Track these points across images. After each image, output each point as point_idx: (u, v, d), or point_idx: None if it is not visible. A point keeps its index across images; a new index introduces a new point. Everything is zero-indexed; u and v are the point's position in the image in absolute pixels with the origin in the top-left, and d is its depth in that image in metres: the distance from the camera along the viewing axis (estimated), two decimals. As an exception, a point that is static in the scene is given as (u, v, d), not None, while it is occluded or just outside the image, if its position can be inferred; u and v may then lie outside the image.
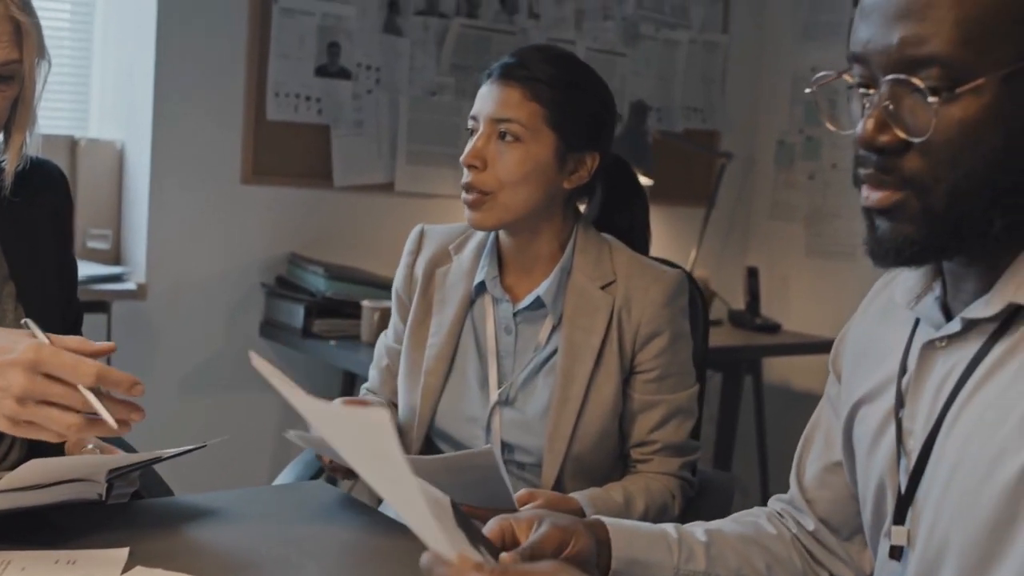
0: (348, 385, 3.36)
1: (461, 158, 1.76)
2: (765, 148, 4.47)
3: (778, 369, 4.30)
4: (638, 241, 1.94)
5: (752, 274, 4.03)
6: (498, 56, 3.58)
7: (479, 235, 1.88)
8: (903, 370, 1.16)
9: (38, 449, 1.63)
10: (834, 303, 4.16)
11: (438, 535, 0.89)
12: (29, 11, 1.56)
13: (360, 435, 0.87)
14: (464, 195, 1.76)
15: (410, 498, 0.88)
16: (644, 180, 3.76)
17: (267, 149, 3.43)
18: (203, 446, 1.50)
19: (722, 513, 1.86)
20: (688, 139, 4.24)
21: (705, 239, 4.09)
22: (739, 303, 4.07)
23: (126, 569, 1.24)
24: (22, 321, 1.37)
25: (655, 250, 2.01)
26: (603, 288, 1.79)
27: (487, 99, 1.77)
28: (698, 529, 1.30)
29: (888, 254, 1.07)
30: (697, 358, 1.92)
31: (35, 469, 1.27)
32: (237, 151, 3.39)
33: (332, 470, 1.69)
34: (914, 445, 1.12)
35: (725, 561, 1.28)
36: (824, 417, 1.35)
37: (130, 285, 3.19)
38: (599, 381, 1.77)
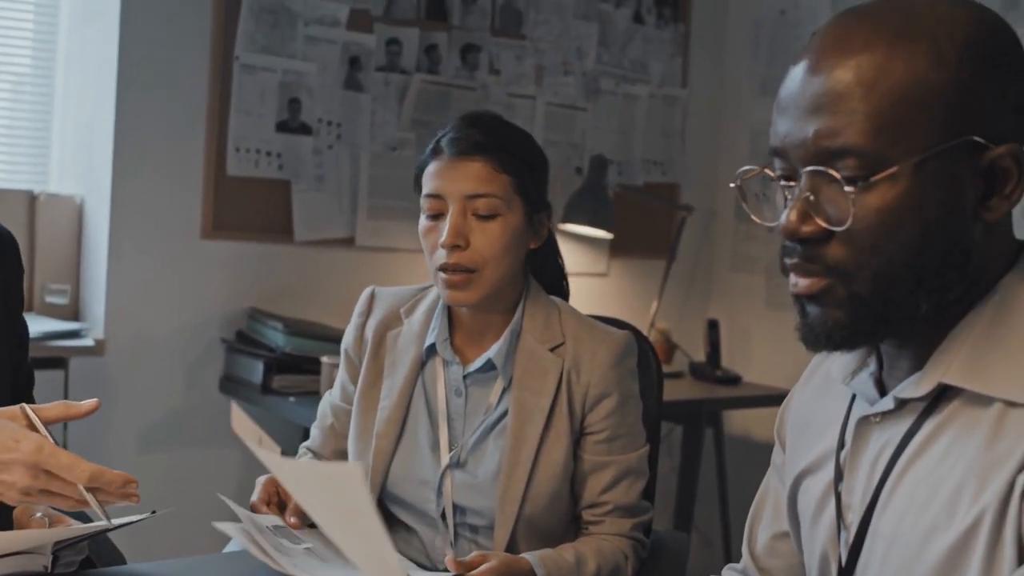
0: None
1: (441, 240, 1.74)
2: (725, 201, 4.50)
3: (739, 421, 4.32)
4: (554, 282, 1.96)
5: (712, 326, 4.06)
6: (458, 111, 3.62)
7: (430, 298, 1.89)
8: (841, 444, 1.18)
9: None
10: (795, 355, 4.13)
11: None
12: None
13: (331, 486, 0.88)
14: (444, 275, 1.75)
15: (379, 549, 0.89)
16: (603, 234, 3.80)
17: (227, 204, 3.43)
18: (152, 513, 1.50)
19: (678, 572, 1.88)
20: (648, 192, 4.27)
21: (666, 291, 4.11)
22: (700, 355, 4.10)
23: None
24: (19, 406, 1.41)
25: (618, 303, 2.04)
26: (552, 350, 1.80)
27: (452, 176, 1.76)
28: None
29: (819, 339, 1.09)
30: (650, 417, 1.94)
31: None
32: (197, 206, 3.39)
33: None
34: (852, 519, 1.14)
35: None
36: (772, 486, 1.36)
37: (88, 341, 3.18)
38: (549, 443, 1.77)
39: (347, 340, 1.93)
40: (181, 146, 3.37)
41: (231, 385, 3.37)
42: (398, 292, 1.94)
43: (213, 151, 3.40)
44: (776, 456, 1.36)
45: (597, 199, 3.79)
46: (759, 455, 4.17)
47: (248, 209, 3.47)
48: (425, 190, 1.80)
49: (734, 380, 3.96)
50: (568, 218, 3.80)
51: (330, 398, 1.96)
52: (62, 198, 3.41)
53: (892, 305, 1.06)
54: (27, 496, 1.33)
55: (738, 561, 1.43)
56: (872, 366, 1.16)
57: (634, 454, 1.83)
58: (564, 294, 1.97)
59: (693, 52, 4.40)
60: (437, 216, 1.78)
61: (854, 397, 1.19)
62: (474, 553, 1.58)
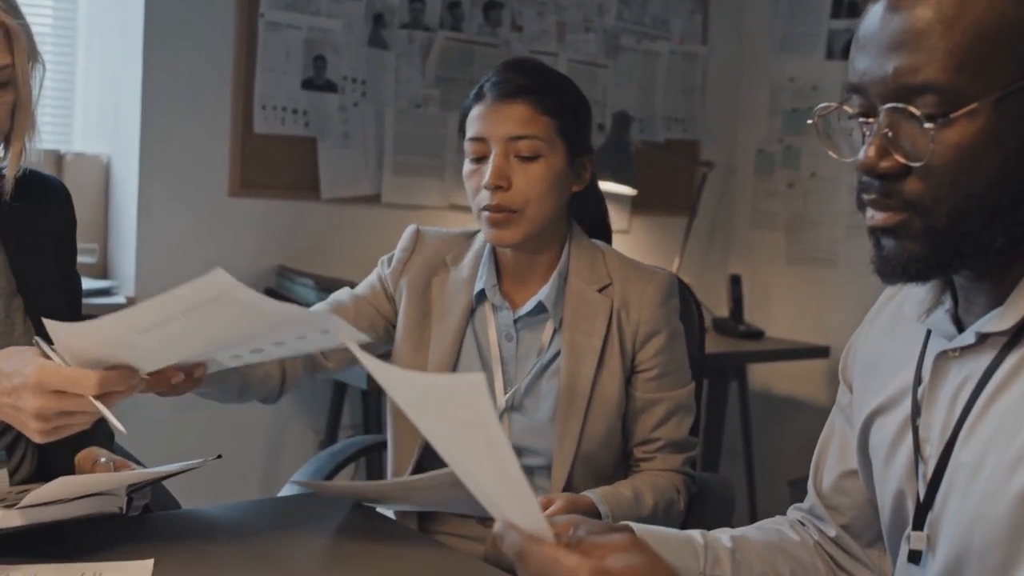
0: (338, 394, 3.38)
1: (484, 182, 1.77)
2: (745, 157, 4.51)
3: (761, 375, 4.34)
4: (596, 226, 1.98)
5: (735, 281, 4.07)
6: (481, 68, 3.61)
7: (476, 245, 1.91)
8: (918, 380, 1.20)
9: (48, 463, 1.64)
10: (815, 309, 4.22)
11: (525, 501, 0.90)
12: (16, 14, 1.56)
13: (451, 399, 0.88)
14: (487, 214, 1.78)
15: (500, 464, 0.88)
16: (627, 190, 3.80)
17: (254, 162, 3.44)
18: (218, 457, 1.52)
19: (725, 514, 1.90)
20: (670, 149, 4.28)
21: (688, 248, 4.12)
22: (722, 310, 4.11)
23: (154, 579, 1.25)
24: (33, 340, 1.39)
25: (640, 260, 2.04)
26: (600, 291, 1.83)
27: (494, 119, 1.79)
28: (723, 535, 1.33)
29: (895, 271, 1.11)
30: (693, 357, 1.96)
31: (61, 485, 1.28)
32: (224, 164, 3.40)
33: None
34: (931, 452, 1.16)
35: (750, 566, 1.30)
36: (837, 426, 1.38)
37: (119, 299, 3.19)
38: (602, 381, 1.80)
39: (387, 266, 1.95)
40: (208, 104, 3.37)
41: (261, 342, 3.38)
42: (443, 235, 1.96)
43: (240, 109, 3.40)
44: (842, 397, 1.38)
45: (620, 155, 3.79)
46: (782, 409, 4.23)
47: (275, 167, 3.47)
48: (468, 133, 1.83)
49: (757, 334, 3.98)
50: (591, 174, 3.80)
51: (350, 290, 1.97)
52: (89, 157, 3.42)
53: (968, 239, 1.07)
54: (45, 423, 1.29)
55: (772, 512, 1.46)
56: (947, 303, 1.18)
57: (683, 390, 1.86)
58: (607, 238, 1.99)
59: (713, 9, 4.39)
60: (480, 159, 1.80)
61: (928, 334, 1.20)
62: (540, 497, 1.60)
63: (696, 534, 1.32)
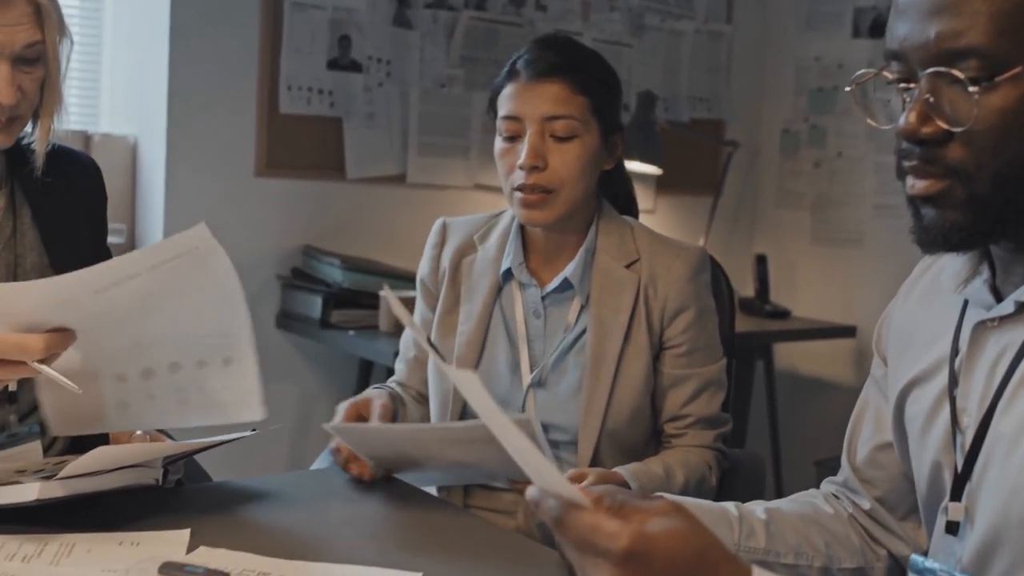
0: (365, 373, 3.39)
1: (519, 162, 1.75)
2: (770, 137, 4.49)
3: (786, 355, 4.33)
4: (623, 204, 1.97)
5: (761, 261, 4.06)
6: (506, 48, 3.60)
7: (503, 223, 1.91)
8: (955, 351, 1.19)
9: (82, 438, 1.65)
10: (841, 290, 4.20)
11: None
12: None
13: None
14: (521, 195, 1.77)
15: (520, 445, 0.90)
16: (653, 170, 3.80)
17: (280, 142, 3.45)
18: (253, 431, 1.53)
19: (756, 491, 1.90)
20: (694, 129, 4.26)
21: (713, 227, 4.11)
22: (747, 290, 4.10)
23: (190, 549, 1.26)
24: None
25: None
26: (627, 267, 1.82)
27: (529, 98, 1.77)
28: (758, 507, 1.33)
29: (936, 241, 1.10)
30: (723, 333, 1.95)
31: (100, 455, 1.29)
32: (251, 144, 3.41)
33: (346, 466, 1.68)
34: (969, 423, 1.15)
35: (784, 538, 1.30)
36: (872, 399, 1.38)
37: (147, 278, 3.20)
38: (629, 358, 1.80)
39: (423, 271, 1.95)
40: (234, 85, 3.38)
41: (287, 321, 3.40)
42: (469, 220, 1.96)
43: (266, 89, 3.41)
44: (876, 370, 1.37)
45: (646, 135, 3.78)
46: (807, 388, 4.21)
47: (301, 147, 3.48)
48: (502, 112, 1.81)
49: (783, 314, 3.97)
50: (617, 154, 3.79)
51: (410, 332, 1.98)
52: (116, 138, 3.43)
53: (1011, 206, 1.07)
54: None
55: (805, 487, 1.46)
56: (985, 273, 1.17)
57: (714, 366, 1.85)
58: (634, 215, 1.98)
59: (738, -13, 4.38)
60: (513, 138, 1.79)
61: (965, 305, 1.20)
62: (570, 471, 1.59)
63: (730, 506, 1.32)
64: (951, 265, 1.21)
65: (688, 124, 4.25)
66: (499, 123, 1.82)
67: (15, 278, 1.65)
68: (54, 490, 1.24)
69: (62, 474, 1.27)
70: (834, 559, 1.32)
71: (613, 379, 1.79)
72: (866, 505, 1.36)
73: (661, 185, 4.12)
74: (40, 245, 1.70)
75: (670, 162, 3.91)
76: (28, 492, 1.24)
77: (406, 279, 3.20)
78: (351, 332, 3.17)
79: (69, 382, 1.30)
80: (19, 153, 1.70)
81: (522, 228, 1.88)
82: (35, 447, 1.52)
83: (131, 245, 3.41)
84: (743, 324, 3.79)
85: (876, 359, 1.37)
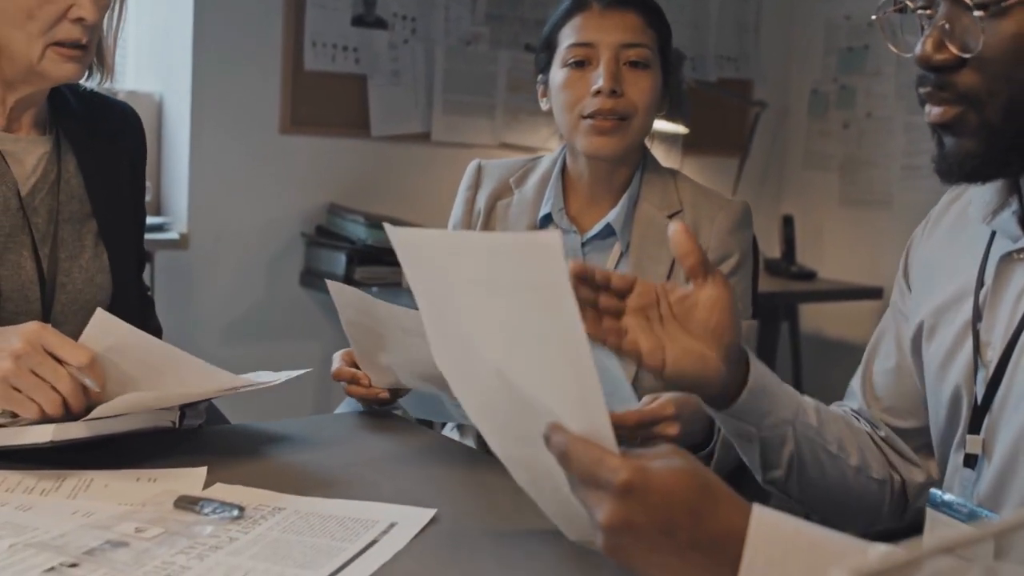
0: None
1: (595, 87, 1.73)
2: (799, 97, 4.46)
3: (812, 317, 4.31)
4: None
5: (787, 222, 4.04)
6: (532, 7, 3.58)
7: (542, 167, 1.88)
8: (980, 283, 1.18)
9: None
10: (869, 251, 4.17)
11: (587, 386, 0.86)
12: None
13: (523, 259, 0.84)
14: (593, 122, 1.74)
15: (564, 340, 0.83)
16: (680, 128, 3.77)
17: (305, 99, 3.44)
18: (277, 380, 1.53)
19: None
20: (722, 88, 4.23)
21: (739, 188, 4.09)
22: (774, 252, 4.08)
23: (206, 486, 1.26)
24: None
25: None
26: (670, 217, 1.80)
27: (605, 25, 1.75)
28: (807, 398, 1.32)
29: (952, 169, 1.10)
30: (752, 298, 1.92)
31: (128, 399, 1.29)
32: (275, 101, 3.41)
33: (349, 388, 1.66)
34: (992, 356, 1.14)
35: (831, 429, 1.29)
36: (892, 324, 1.36)
37: (172, 235, 3.22)
38: None
39: (455, 216, 1.93)
40: (258, 42, 3.38)
41: (311, 279, 3.41)
42: (505, 163, 1.94)
43: (290, 46, 3.41)
44: (897, 298, 1.36)
45: (673, 94, 3.74)
46: (833, 350, 4.19)
47: (325, 104, 3.48)
48: (570, 40, 1.78)
49: (809, 275, 3.95)
50: (643, 113, 3.77)
51: None
52: (141, 95, 3.43)
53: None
54: (17, 367, 1.26)
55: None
56: (1014, 204, 1.15)
57: (744, 323, 1.81)
58: None
59: (767, -55, 4.33)
60: (582, 64, 1.76)
61: (993, 237, 1.18)
62: (645, 397, 1.49)
63: (790, 388, 1.30)
64: (980, 195, 1.20)
65: (716, 83, 4.22)
66: (563, 52, 1.79)
67: (56, 225, 1.64)
68: (70, 431, 1.25)
69: (90, 415, 1.27)
70: (865, 465, 1.31)
71: None
72: (882, 432, 1.36)
73: (688, 145, 4.09)
74: (84, 193, 1.69)
75: (697, 122, 3.89)
76: (44, 433, 1.24)
77: (430, 236, 3.20)
78: (374, 289, 3.17)
79: (95, 384, 1.30)
80: (62, 100, 1.70)
81: (563, 172, 1.86)
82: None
83: (156, 203, 3.43)
84: (769, 285, 3.77)
85: (899, 287, 1.36)
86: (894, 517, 1.36)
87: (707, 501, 0.85)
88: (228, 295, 3.40)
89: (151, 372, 1.36)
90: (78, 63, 1.56)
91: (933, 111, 1.09)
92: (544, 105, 1.87)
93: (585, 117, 1.75)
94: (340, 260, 3.25)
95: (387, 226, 0.94)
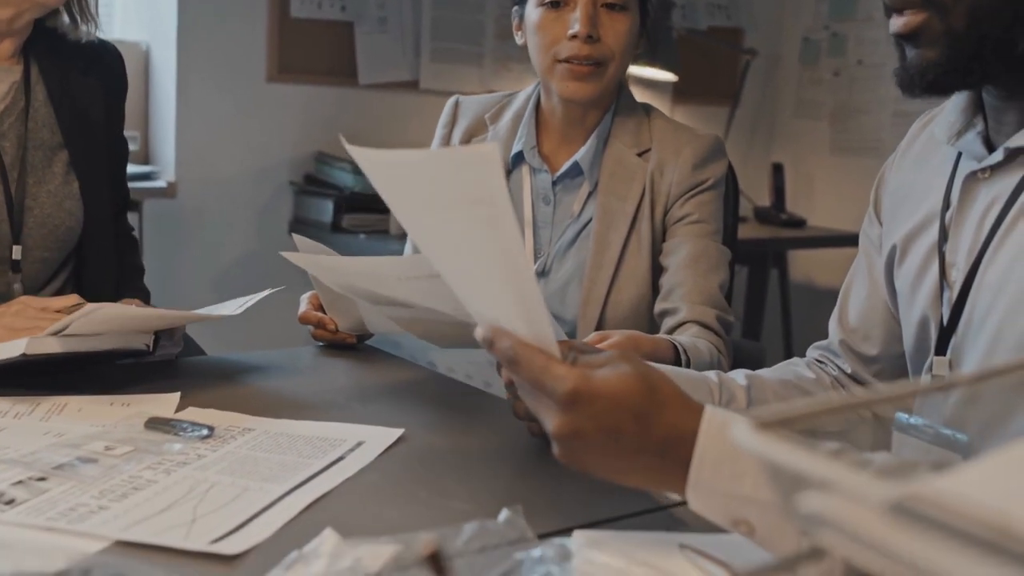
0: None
1: (571, 31, 1.70)
2: (790, 45, 4.44)
3: (802, 265, 4.31)
4: None
5: (777, 170, 4.03)
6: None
7: (516, 104, 1.88)
8: (946, 205, 1.18)
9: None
10: (859, 199, 4.15)
11: (530, 302, 0.86)
12: None
13: (459, 172, 0.84)
14: (567, 66, 1.72)
15: (508, 248, 0.84)
16: (669, 76, 3.76)
17: (292, 47, 3.43)
18: (261, 296, 1.55)
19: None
20: (712, 36, 4.21)
21: (730, 137, 4.08)
22: (764, 199, 4.08)
23: (179, 410, 1.27)
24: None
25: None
26: (639, 155, 1.79)
27: None
28: (738, 375, 1.32)
29: (914, 80, 1.09)
30: (727, 238, 1.89)
31: (103, 313, 1.30)
32: (262, 49, 3.39)
33: (315, 332, 1.69)
34: (956, 276, 1.14)
35: (766, 403, 1.30)
36: (863, 258, 1.37)
37: (160, 183, 3.22)
38: (632, 247, 1.76)
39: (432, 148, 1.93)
40: (244, -12, 3.36)
41: (300, 227, 3.40)
42: (482, 99, 1.93)
43: (277, -7, 3.39)
44: (870, 229, 1.36)
45: (662, 42, 3.74)
46: (823, 299, 4.19)
47: (312, 52, 3.46)
48: None
49: (799, 223, 3.95)
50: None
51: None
52: (128, 44, 3.42)
53: (987, 42, 1.05)
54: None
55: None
56: (979, 125, 1.15)
57: (712, 243, 1.77)
58: None
59: None
60: (558, 4, 1.73)
61: (958, 159, 1.18)
62: (593, 334, 1.43)
63: (711, 374, 1.32)
64: (944, 117, 1.20)
65: (706, 31, 4.20)
66: None
67: (25, 151, 1.68)
68: (43, 345, 1.25)
69: (50, 329, 1.28)
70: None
71: (615, 268, 1.75)
72: (848, 368, 1.36)
73: (678, 93, 4.08)
74: (54, 122, 1.72)
75: (687, 70, 3.87)
76: (16, 347, 1.25)
77: (417, 183, 3.20)
78: (362, 235, 3.17)
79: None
80: (39, 34, 1.71)
81: (537, 110, 1.85)
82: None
83: (144, 151, 3.42)
84: (758, 232, 3.77)
85: (869, 218, 1.36)
86: None
87: (653, 404, 0.85)
88: (216, 244, 3.40)
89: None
90: None
91: (897, 21, 1.08)
92: (519, 39, 1.85)
93: (561, 61, 1.73)
94: (328, 208, 3.25)
95: (346, 143, 0.94)
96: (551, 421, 0.86)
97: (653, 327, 1.79)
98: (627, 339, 1.38)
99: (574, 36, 1.70)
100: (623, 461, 0.86)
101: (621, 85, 1.84)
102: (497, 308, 0.92)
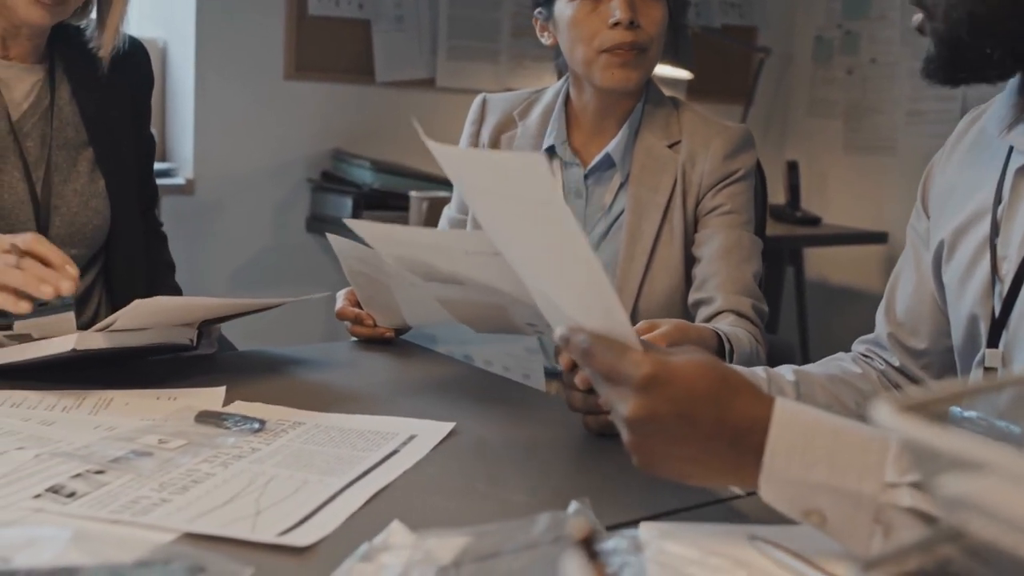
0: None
1: (613, 19, 1.70)
2: (803, 43, 4.44)
3: (817, 263, 4.31)
4: None
5: (792, 168, 4.03)
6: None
7: (545, 100, 1.88)
8: (998, 199, 1.18)
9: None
10: (873, 197, 4.17)
11: (603, 294, 0.87)
12: None
13: (513, 177, 0.85)
14: (613, 55, 1.73)
15: (569, 248, 0.84)
16: (684, 74, 3.76)
17: (309, 45, 3.43)
18: (295, 300, 1.55)
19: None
20: (726, 35, 4.21)
21: (744, 135, 4.08)
22: (778, 197, 4.07)
23: (225, 404, 1.28)
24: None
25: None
26: (670, 147, 1.79)
27: None
28: (786, 370, 1.32)
29: (928, 71, 1.16)
30: (756, 230, 1.89)
31: (149, 304, 1.30)
32: (279, 46, 3.40)
33: (353, 328, 1.68)
34: (1008, 269, 1.15)
35: (814, 399, 1.30)
36: (911, 252, 1.37)
37: (178, 180, 3.22)
38: (664, 238, 1.77)
39: (462, 147, 1.93)
40: (262, -14, 3.36)
41: (318, 224, 3.41)
42: (509, 96, 1.93)
43: (294, -10, 3.39)
44: (918, 223, 1.36)
45: (677, 38, 3.73)
46: (838, 297, 4.20)
47: (330, 50, 3.47)
48: None
49: (814, 221, 3.95)
50: (647, 59, 3.76)
51: (448, 212, 1.98)
52: (144, 41, 3.39)
53: (961, 46, 1.11)
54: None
55: None
56: None
57: (745, 234, 1.78)
58: None
59: None
60: None
61: (1011, 152, 1.19)
62: (642, 323, 1.38)
63: (759, 369, 1.32)
64: (995, 112, 1.21)
65: (720, 30, 4.20)
66: None
67: (50, 150, 1.67)
68: (92, 340, 1.26)
69: (98, 326, 1.28)
70: (865, 417, 1.32)
71: (648, 260, 1.75)
72: (896, 362, 1.36)
73: (692, 91, 4.08)
74: (78, 120, 1.71)
75: (701, 68, 3.87)
76: (66, 343, 1.25)
77: (436, 182, 3.20)
78: (381, 232, 3.17)
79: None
80: (63, 31, 1.71)
81: (566, 104, 1.86)
82: (68, 317, 1.53)
83: (162, 148, 3.42)
84: (773, 230, 3.76)
85: (918, 210, 1.36)
86: None
87: (728, 391, 0.86)
88: (234, 241, 3.40)
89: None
90: (49, 10, 1.58)
91: (915, 17, 1.16)
92: (545, 40, 1.86)
93: (603, 51, 1.74)
94: (346, 205, 3.25)
95: (423, 135, 0.95)
96: (626, 406, 0.86)
97: (686, 318, 1.79)
98: (675, 328, 1.37)
99: (616, 24, 1.71)
100: (694, 448, 0.86)
101: (650, 79, 1.85)
102: (571, 302, 0.92)
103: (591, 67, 1.76)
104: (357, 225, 1.40)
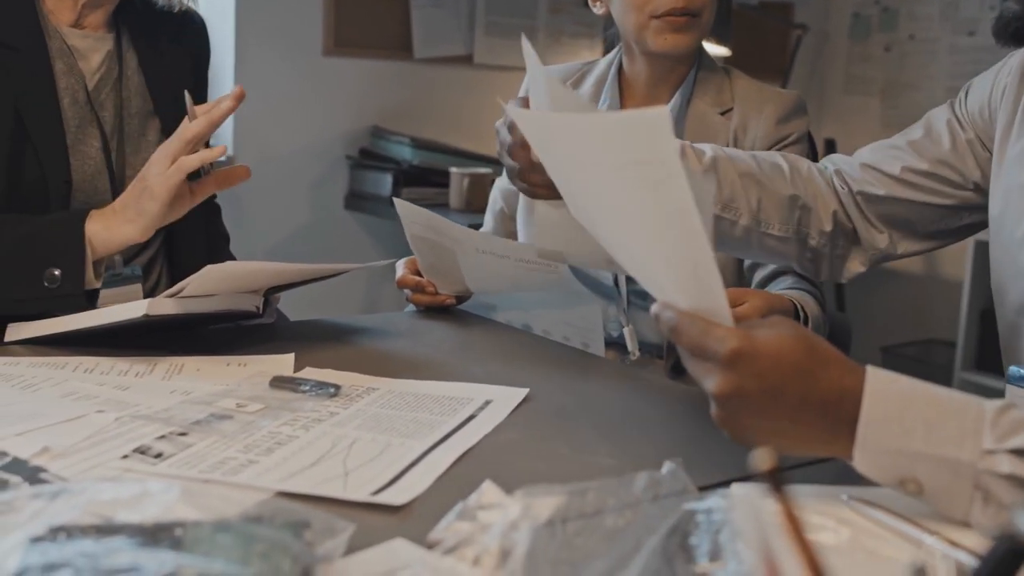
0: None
1: None
2: (840, 20, 4.41)
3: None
4: None
5: (829, 146, 4.01)
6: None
7: (598, 69, 1.88)
8: None
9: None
10: (911, 175, 4.14)
11: (702, 263, 0.85)
12: None
13: (628, 135, 0.83)
14: (667, 20, 1.72)
15: (681, 210, 0.81)
16: (722, 50, 3.74)
17: (348, 21, 3.42)
18: (361, 267, 1.56)
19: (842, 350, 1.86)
20: (763, 11, 4.19)
21: (781, 112, 4.06)
22: (816, 176, 4.06)
23: (296, 370, 1.28)
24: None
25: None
26: (722, 114, 1.79)
27: None
28: (707, 147, 1.38)
29: (1001, 31, 1.20)
30: None
31: (222, 268, 1.30)
32: (319, 23, 3.39)
33: (415, 296, 1.70)
34: None
35: (722, 190, 1.35)
36: (936, 130, 1.45)
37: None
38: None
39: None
40: (301, -38, 3.36)
41: (356, 201, 3.41)
42: (561, 68, 1.93)
43: (333, -34, 3.39)
44: (964, 127, 1.42)
45: (716, 14, 3.71)
46: (876, 276, 4.17)
47: (368, 26, 3.46)
48: None
49: (852, 199, 3.93)
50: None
51: (499, 183, 1.98)
52: (183, 18, 3.42)
53: None
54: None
55: None
56: None
57: None
58: None
59: None
60: None
61: None
62: (730, 290, 1.37)
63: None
64: None
65: (757, 6, 4.17)
66: None
67: (121, 120, 1.67)
68: (163, 306, 1.26)
69: (168, 292, 1.28)
70: (763, 222, 1.37)
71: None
72: (856, 188, 1.42)
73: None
74: (145, 90, 1.72)
75: (738, 45, 3.85)
76: (137, 308, 1.25)
77: (475, 159, 3.19)
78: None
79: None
80: (128, 2, 1.71)
81: (620, 73, 1.85)
82: (136, 289, 1.54)
83: (200, 125, 3.42)
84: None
85: (965, 115, 1.41)
86: (816, 269, 1.44)
87: (816, 362, 0.85)
88: (273, 218, 3.40)
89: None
90: None
91: None
92: (598, 9, 1.85)
93: (657, 17, 1.73)
94: (386, 181, 3.25)
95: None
96: (712, 382, 0.85)
97: (738, 282, 1.82)
98: (764, 300, 1.39)
99: None
100: (784, 421, 0.85)
101: (700, 45, 1.84)
102: (662, 270, 0.91)
103: (643, 32, 1.75)
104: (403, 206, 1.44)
